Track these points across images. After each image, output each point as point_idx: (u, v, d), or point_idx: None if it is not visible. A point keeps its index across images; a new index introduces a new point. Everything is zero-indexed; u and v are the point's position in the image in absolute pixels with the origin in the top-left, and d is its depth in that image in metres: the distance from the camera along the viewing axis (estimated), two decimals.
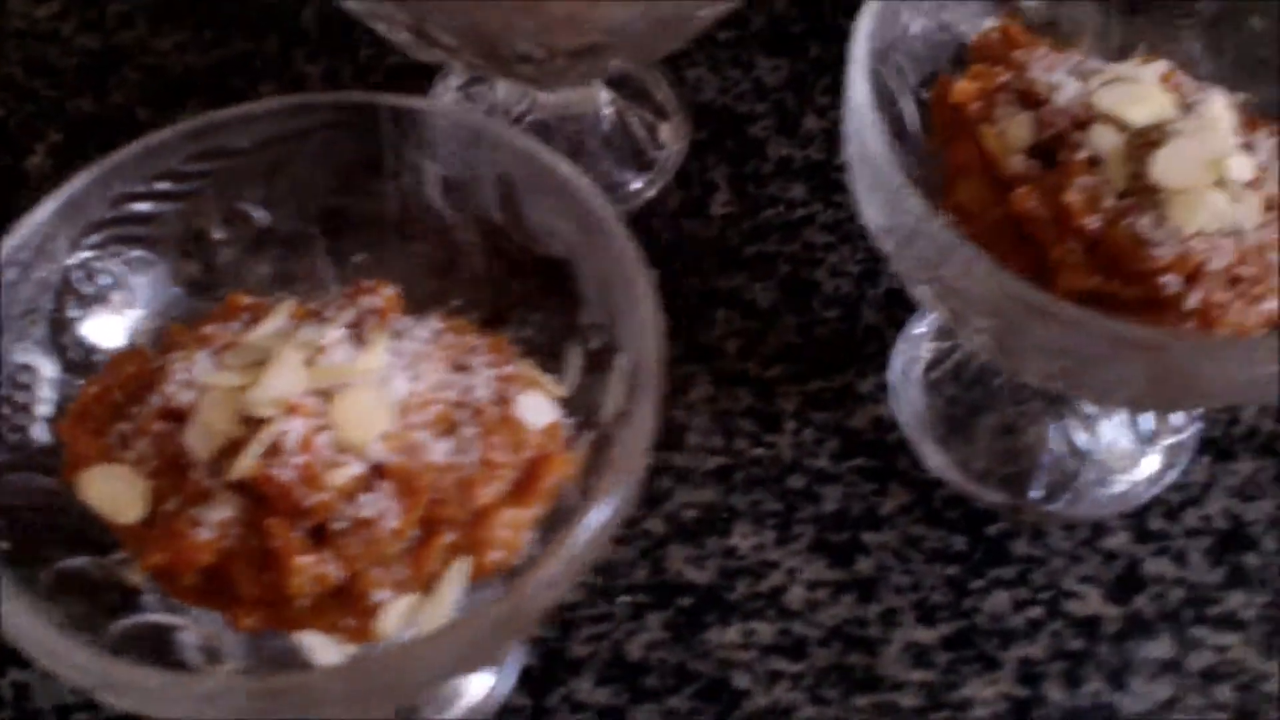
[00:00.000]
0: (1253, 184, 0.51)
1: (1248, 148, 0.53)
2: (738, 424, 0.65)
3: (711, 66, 0.76)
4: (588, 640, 0.59)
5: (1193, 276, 0.50)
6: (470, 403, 0.48)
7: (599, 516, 0.44)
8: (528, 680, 0.58)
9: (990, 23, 0.58)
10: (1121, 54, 0.60)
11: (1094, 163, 0.52)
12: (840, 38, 0.53)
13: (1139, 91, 0.52)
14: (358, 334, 0.48)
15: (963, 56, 0.58)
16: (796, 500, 0.63)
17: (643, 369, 0.47)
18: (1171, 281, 0.50)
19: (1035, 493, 0.62)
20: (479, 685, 0.57)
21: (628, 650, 0.59)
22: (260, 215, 0.54)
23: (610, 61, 0.60)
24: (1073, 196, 0.51)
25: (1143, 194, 0.51)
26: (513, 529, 0.47)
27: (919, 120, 0.57)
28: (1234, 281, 0.50)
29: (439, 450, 0.46)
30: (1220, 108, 0.53)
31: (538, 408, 0.49)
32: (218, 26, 0.77)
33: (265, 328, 0.48)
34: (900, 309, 0.68)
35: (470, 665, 0.50)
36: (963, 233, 0.54)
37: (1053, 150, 0.53)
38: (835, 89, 0.66)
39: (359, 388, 0.46)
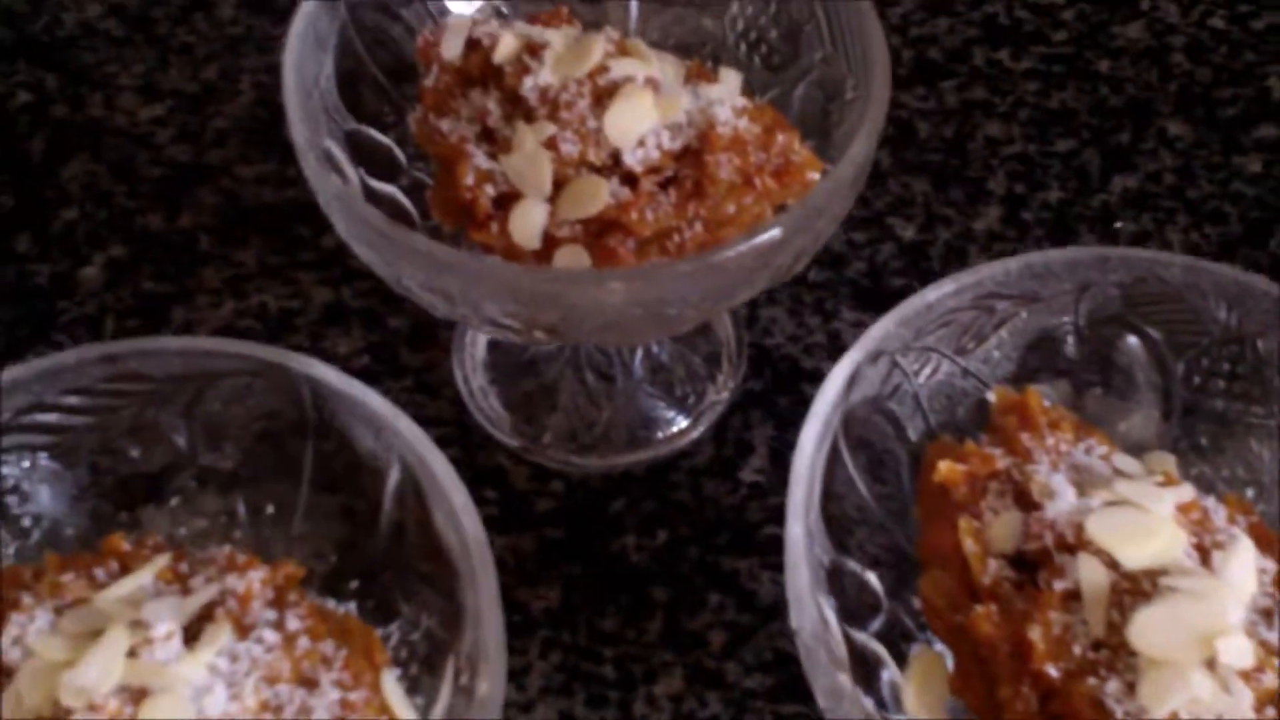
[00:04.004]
0: (1256, 671, 0.42)
1: (1268, 615, 0.44)
2: None
3: (791, 308, 0.69)
4: None
5: None
6: None
7: None
8: None
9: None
10: (1179, 450, 0.52)
11: (1073, 598, 0.44)
12: None
13: (1142, 523, 0.44)
14: (204, 619, 0.45)
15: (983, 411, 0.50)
16: None
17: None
18: None
19: None
20: None
21: None
22: (180, 441, 0.51)
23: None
24: (1035, 635, 0.43)
25: (1118, 651, 0.43)
26: None
27: (911, 475, 0.50)
28: None
29: None
30: (1243, 563, 0.44)
31: None
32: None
33: (120, 588, 0.45)
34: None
35: None
36: (927, 624, 0.48)
37: (1038, 565, 0.45)
38: None
39: (168, 697, 0.42)
